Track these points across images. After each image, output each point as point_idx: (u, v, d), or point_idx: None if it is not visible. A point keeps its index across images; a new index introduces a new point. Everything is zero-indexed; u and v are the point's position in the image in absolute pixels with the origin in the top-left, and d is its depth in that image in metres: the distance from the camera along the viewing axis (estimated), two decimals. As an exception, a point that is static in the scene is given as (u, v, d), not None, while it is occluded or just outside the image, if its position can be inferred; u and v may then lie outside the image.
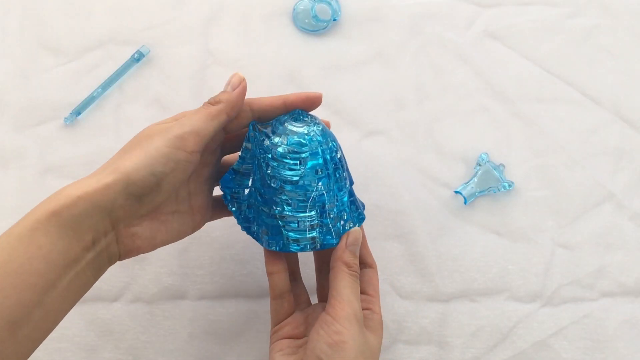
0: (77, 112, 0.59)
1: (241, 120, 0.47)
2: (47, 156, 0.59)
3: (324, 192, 0.47)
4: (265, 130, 0.47)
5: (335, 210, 0.48)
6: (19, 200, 0.58)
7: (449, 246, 0.58)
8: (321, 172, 0.46)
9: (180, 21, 0.61)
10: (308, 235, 0.47)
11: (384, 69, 0.61)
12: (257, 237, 0.49)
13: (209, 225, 0.57)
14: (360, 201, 0.52)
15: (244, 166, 0.49)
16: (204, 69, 0.61)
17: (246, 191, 0.50)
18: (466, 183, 0.59)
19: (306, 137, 0.46)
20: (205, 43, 0.61)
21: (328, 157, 0.47)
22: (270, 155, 0.46)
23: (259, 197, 0.47)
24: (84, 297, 0.55)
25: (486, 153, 0.59)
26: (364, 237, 0.50)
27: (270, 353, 0.47)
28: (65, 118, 0.58)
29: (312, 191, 0.46)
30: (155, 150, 0.41)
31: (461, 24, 0.62)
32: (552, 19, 0.62)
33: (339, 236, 0.48)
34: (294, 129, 0.46)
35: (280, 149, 0.46)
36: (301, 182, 0.46)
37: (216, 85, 0.60)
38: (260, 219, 0.48)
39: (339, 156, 0.48)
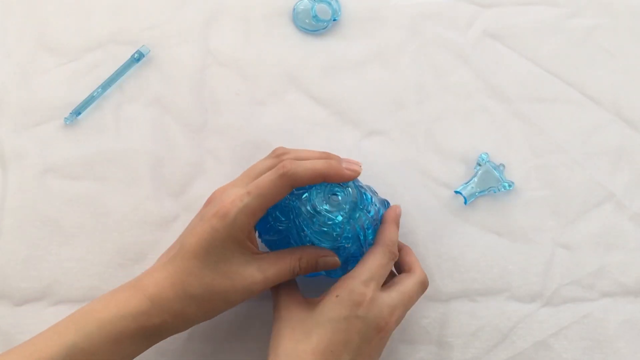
0: (77, 112, 0.59)
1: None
2: (47, 156, 0.59)
3: (356, 248, 0.51)
4: (298, 200, 0.49)
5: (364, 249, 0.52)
6: (19, 200, 0.58)
7: (449, 246, 0.58)
8: (353, 242, 0.50)
9: (180, 21, 0.61)
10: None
11: (384, 69, 0.61)
12: None
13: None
14: (383, 204, 0.55)
15: (280, 219, 0.51)
16: (204, 69, 0.61)
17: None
18: (466, 183, 0.59)
19: (338, 225, 0.49)
20: (205, 43, 0.61)
21: (358, 227, 0.49)
22: (304, 228, 0.49)
23: (295, 240, 0.51)
24: (84, 298, 0.56)
25: (486, 153, 0.59)
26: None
27: None
28: (65, 118, 0.58)
29: (343, 254, 0.51)
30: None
31: (461, 24, 0.62)
32: (552, 19, 0.62)
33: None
34: (327, 211, 0.49)
35: (314, 227, 0.49)
36: (334, 248, 0.50)
37: (216, 85, 0.60)
38: None
39: (371, 214, 0.50)
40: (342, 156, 0.57)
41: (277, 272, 0.47)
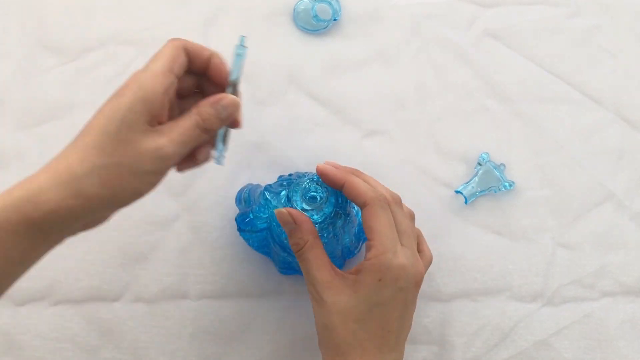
0: (221, 150, 0.51)
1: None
2: (47, 156, 0.58)
3: (334, 248, 0.51)
4: (277, 197, 0.50)
5: (340, 248, 0.52)
6: (19, 200, 0.58)
7: (449, 246, 0.58)
8: (330, 239, 0.50)
9: (180, 21, 0.61)
10: None
11: (385, 68, 0.61)
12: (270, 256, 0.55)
13: (209, 225, 0.57)
14: None
15: (260, 216, 0.52)
16: (204, 69, 0.60)
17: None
18: (467, 183, 0.59)
19: (315, 224, 0.48)
20: (205, 43, 0.61)
21: (339, 228, 0.50)
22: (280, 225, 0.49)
23: (273, 238, 0.51)
24: (84, 298, 0.56)
25: (487, 153, 0.59)
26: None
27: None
28: (215, 159, 0.49)
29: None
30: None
31: (462, 24, 0.62)
32: (552, 19, 0.62)
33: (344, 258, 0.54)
34: (303, 210, 0.48)
35: None
36: None
37: (216, 85, 0.60)
38: (273, 251, 0.53)
39: (347, 211, 0.50)
40: (342, 156, 0.58)
41: (181, 131, 0.42)
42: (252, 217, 0.52)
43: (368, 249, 0.46)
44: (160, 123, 0.42)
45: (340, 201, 0.49)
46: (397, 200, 0.49)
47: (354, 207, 0.52)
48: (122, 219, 0.57)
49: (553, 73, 0.61)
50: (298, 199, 0.48)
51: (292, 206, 0.48)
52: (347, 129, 0.60)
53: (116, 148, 0.39)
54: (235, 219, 0.54)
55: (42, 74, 0.60)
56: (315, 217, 0.48)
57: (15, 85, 0.60)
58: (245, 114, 0.60)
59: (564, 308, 0.57)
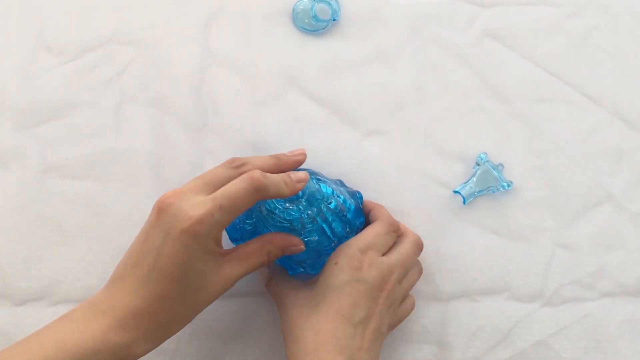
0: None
1: None
2: (47, 156, 0.59)
3: (324, 240, 0.51)
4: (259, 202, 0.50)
5: (336, 240, 0.52)
6: (19, 200, 0.58)
7: (448, 246, 0.58)
8: (319, 234, 0.50)
9: (180, 21, 0.61)
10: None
11: (384, 69, 0.61)
12: None
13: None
14: (354, 196, 0.55)
15: (247, 221, 0.52)
16: (204, 69, 0.61)
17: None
18: (465, 183, 0.59)
19: (296, 220, 0.49)
20: (205, 43, 0.61)
21: (320, 220, 0.50)
22: (268, 227, 0.50)
23: None
24: (84, 298, 0.56)
25: (485, 153, 0.59)
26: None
27: None
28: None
29: (313, 247, 0.51)
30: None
31: (461, 24, 0.62)
32: (552, 19, 0.62)
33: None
34: (283, 207, 0.49)
35: (276, 224, 0.49)
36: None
37: (216, 85, 0.60)
38: None
39: (333, 205, 0.50)
40: (341, 156, 0.58)
41: (247, 269, 0.46)
42: (239, 222, 0.52)
43: None
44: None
45: (319, 192, 0.49)
46: (415, 238, 0.53)
47: (339, 196, 0.51)
48: (122, 219, 0.58)
49: (552, 73, 0.61)
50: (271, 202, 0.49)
51: (268, 205, 0.49)
52: (346, 129, 0.60)
53: (195, 295, 0.44)
54: (226, 230, 0.53)
55: (42, 74, 0.60)
56: (294, 213, 0.48)
57: (15, 85, 0.60)
58: (245, 114, 0.60)
59: (563, 308, 0.57)
